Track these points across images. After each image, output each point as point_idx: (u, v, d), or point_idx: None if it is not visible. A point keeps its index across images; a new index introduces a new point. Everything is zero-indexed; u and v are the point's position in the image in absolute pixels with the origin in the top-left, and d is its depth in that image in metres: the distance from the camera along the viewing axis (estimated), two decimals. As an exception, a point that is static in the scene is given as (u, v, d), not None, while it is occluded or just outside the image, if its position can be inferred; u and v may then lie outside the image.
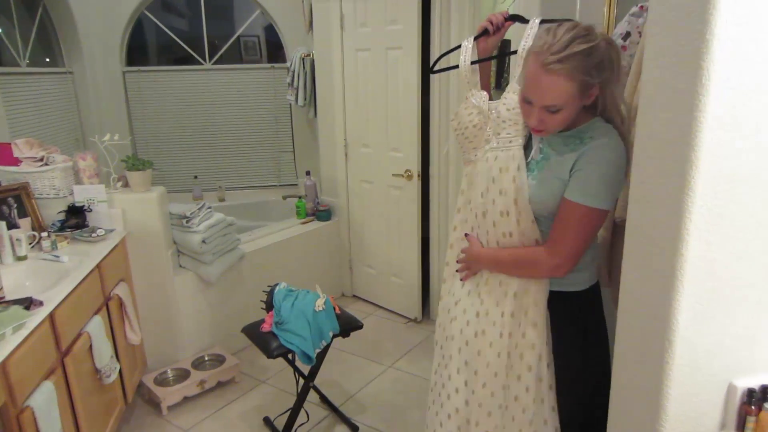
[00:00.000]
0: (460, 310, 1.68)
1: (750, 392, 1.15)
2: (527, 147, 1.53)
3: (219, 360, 3.06)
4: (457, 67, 1.69)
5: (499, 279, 1.57)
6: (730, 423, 1.18)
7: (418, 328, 3.64)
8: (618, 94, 1.41)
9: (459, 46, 1.71)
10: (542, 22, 1.53)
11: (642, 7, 1.56)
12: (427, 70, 1.87)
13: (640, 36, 1.55)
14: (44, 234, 2.42)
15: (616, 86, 1.40)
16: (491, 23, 1.64)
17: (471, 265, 1.65)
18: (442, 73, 3.05)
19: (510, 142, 1.52)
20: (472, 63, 1.65)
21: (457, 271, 1.70)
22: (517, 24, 1.68)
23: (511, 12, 1.67)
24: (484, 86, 1.70)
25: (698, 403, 1.16)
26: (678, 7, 0.97)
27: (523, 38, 1.53)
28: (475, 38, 1.67)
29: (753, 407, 1.15)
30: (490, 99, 1.65)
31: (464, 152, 1.68)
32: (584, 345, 1.58)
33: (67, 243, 2.48)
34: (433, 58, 3.06)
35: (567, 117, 1.37)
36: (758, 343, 1.15)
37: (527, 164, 1.50)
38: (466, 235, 1.67)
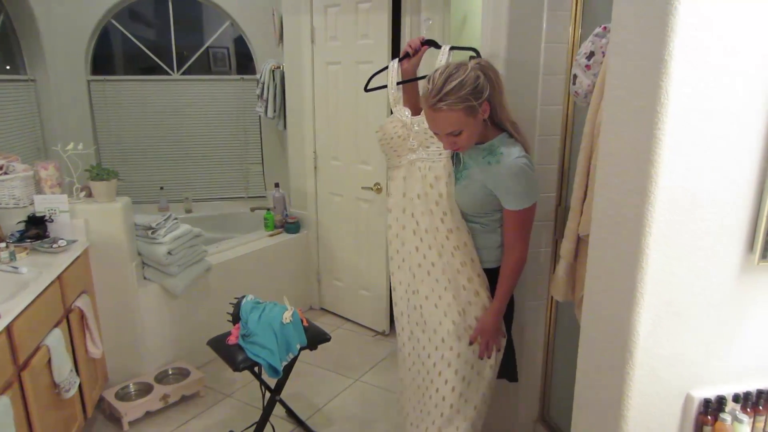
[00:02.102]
0: (411, 293, 2.05)
1: (706, 402, 1.19)
2: (454, 157, 1.89)
3: (183, 374, 3.00)
4: (386, 86, 2.07)
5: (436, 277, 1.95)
6: None
7: (386, 341, 3.64)
8: (502, 103, 1.75)
9: (386, 67, 2.08)
10: (451, 48, 1.99)
11: (605, 27, 1.61)
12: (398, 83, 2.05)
13: (604, 56, 1.60)
14: (2, 245, 2.35)
15: (500, 97, 1.73)
16: (410, 47, 2.02)
17: (495, 334, 1.92)
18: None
19: (440, 154, 1.90)
20: (398, 83, 2.03)
21: (480, 357, 1.94)
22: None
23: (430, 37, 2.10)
24: (411, 102, 2.05)
25: (657, 413, 1.19)
26: (637, 29, 1.01)
27: (437, 62, 1.92)
28: (399, 60, 2.04)
29: (709, 417, 1.18)
30: (414, 114, 2.00)
31: (389, 159, 2.04)
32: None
33: (27, 254, 2.42)
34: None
35: (471, 134, 1.72)
36: (714, 354, 1.19)
37: (454, 174, 1.87)
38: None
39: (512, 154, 1.74)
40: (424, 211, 1.93)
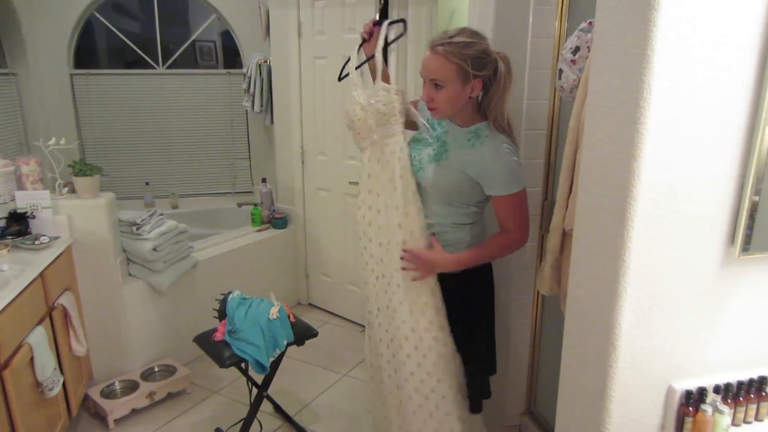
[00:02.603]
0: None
1: (688, 394, 1.20)
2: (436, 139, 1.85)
3: (170, 371, 2.98)
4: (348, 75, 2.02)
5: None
6: (669, 424, 1.23)
7: (374, 335, 3.64)
8: (502, 100, 1.71)
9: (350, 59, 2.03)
10: (390, 23, 1.98)
11: (590, 22, 1.61)
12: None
13: (589, 50, 1.60)
14: (-17, 241, 2.32)
15: (500, 92, 1.70)
16: (365, 32, 2.00)
17: (426, 270, 1.82)
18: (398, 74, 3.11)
19: (394, 129, 1.85)
20: (356, 67, 2.00)
21: (403, 268, 1.86)
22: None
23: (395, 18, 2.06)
24: (385, 79, 1.96)
25: (639, 404, 1.20)
26: (620, 24, 1.01)
27: (379, 39, 1.93)
28: (360, 46, 2.04)
29: (690, 408, 1.20)
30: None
31: (357, 143, 1.99)
32: (481, 307, 1.94)
33: (8, 251, 2.39)
34: (390, 66, 3.09)
35: (451, 99, 1.68)
36: (696, 346, 1.20)
37: (433, 153, 1.81)
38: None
39: (498, 138, 1.72)
40: (386, 187, 1.89)
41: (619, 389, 1.17)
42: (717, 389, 1.23)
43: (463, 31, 1.65)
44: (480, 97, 1.76)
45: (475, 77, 1.64)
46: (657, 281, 1.11)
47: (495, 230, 1.84)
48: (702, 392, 1.20)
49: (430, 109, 1.74)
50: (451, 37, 1.63)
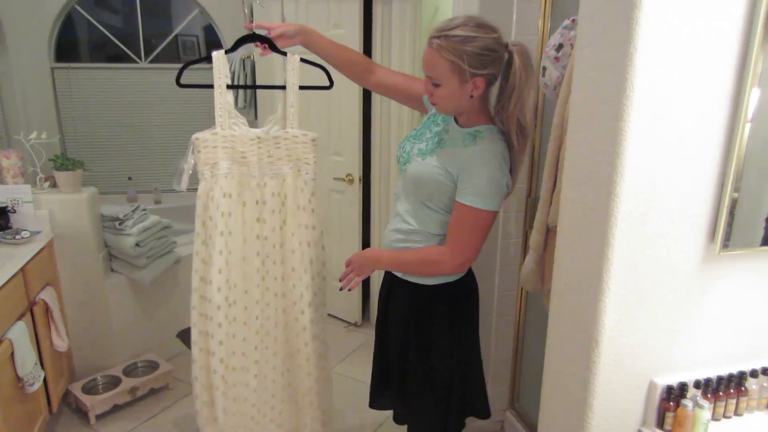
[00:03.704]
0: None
1: (669, 389, 1.22)
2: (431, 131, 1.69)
3: (152, 366, 2.96)
4: (210, 86, 1.86)
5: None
6: (650, 419, 1.25)
7: (358, 332, 3.65)
8: (519, 102, 1.50)
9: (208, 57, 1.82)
10: (302, 61, 1.85)
11: (574, 20, 1.62)
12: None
13: (572, 48, 1.62)
14: (-38, 235, 2.28)
15: (520, 97, 1.48)
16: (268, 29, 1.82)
17: (364, 269, 1.71)
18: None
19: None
20: (230, 87, 1.86)
21: (341, 280, 1.76)
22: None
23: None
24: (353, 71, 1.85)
25: (622, 400, 1.21)
26: (603, 22, 1.02)
27: (288, 74, 1.83)
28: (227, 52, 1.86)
29: (672, 403, 1.21)
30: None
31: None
32: (431, 333, 1.70)
33: (-12, 245, 2.35)
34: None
35: (450, 97, 1.50)
36: (677, 342, 1.22)
37: (424, 148, 1.64)
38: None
39: (496, 146, 1.52)
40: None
41: (601, 385, 1.18)
42: (698, 384, 1.24)
43: (467, 22, 1.43)
44: (496, 97, 1.56)
45: (474, 76, 1.45)
46: (639, 278, 1.12)
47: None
48: (683, 387, 1.21)
49: (432, 104, 1.59)
50: (450, 28, 1.42)
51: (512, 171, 1.57)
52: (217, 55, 1.76)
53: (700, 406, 1.19)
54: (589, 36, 1.08)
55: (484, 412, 1.85)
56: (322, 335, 2.03)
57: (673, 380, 1.22)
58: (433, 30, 1.46)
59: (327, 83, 1.94)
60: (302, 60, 1.84)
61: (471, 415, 1.84)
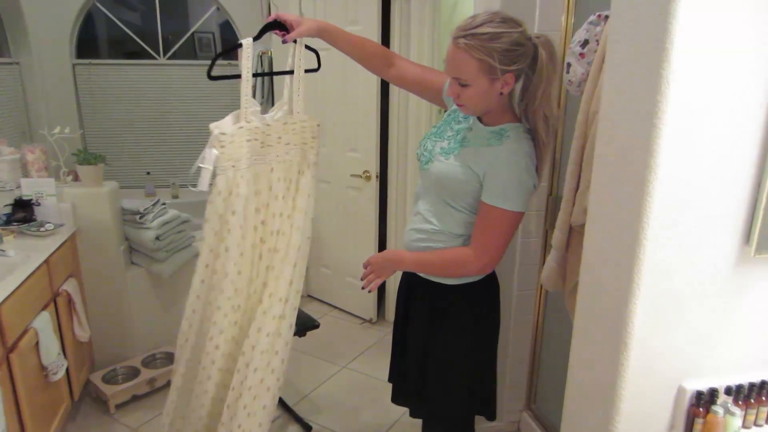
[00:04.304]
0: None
1: (699, 394, 1.18)
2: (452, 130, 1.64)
3: (170, 358, 2.99)
4: (237, 76, 1.77)
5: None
6: (678, 424, 1.21)
7: (373, 328, 3.66)
8: (545, 96, 1.47)
9: (240, 45, 1.75)
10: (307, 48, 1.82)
11: (600, 15, 1.61)
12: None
13: (598, 44, 1.61)
14: (-11, 227, 2.32)
15: (541, 86, 1.46)
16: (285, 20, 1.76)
17: (385, 271, 1.67)
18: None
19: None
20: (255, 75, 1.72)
21: (363, 279, 1.69)
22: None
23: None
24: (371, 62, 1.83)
25: (649, 404, 1.18)
26: (638, 17, 1.00)
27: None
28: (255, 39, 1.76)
29: (701, 409, 1.18)
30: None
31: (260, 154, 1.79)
32: (453, 334, 1.68)
33: (14, 237, 2.39)
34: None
35: (479, 96, 1.47)
36: (708, 347, 1.19)
37: (447, 147, 1.61)
38: None
39: (522, 145, 1.49)
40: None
41: (629, 388, 1.15)
42: (728, 390, 1.20)
43: (491, 18, 1.40)
44: (520, 93, 1.53)
45: (504, 72, 1.41)
46: (671, 279, 1.09)
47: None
48: (713, 393, 1.18)
49: (459, 106, 1.54)
50: (476, 26, 1.39)
51: (538, 168, 1.55)
52: (248, 43, 1.73)
53: (731, 413, 1.16)
54: (622, 31, 1.06)
55: (491, 414, 1.83)
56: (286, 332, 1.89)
57: (703, 385, 1.19)
58: (457, 29, 1.42)
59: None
60: (306, 47, 1.82)
61: (479, 414, 1.82)
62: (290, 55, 1.81)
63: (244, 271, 1.81)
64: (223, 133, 1.73)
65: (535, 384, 2.51)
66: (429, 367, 1.73)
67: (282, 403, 2.78)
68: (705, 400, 1.18)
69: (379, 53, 1.82)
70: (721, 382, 1.20)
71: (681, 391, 1.20)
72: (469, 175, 1.53)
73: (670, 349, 1.16)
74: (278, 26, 1.76)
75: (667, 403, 1.21)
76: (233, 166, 1.74)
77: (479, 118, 1.60)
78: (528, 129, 1.54)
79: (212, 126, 1.73)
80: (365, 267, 1.69)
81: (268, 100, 4.19)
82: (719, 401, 1.19)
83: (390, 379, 1.94)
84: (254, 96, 4.16)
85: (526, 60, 1.44)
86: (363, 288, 1.69)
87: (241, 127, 1.74)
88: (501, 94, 1.48)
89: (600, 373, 1.21)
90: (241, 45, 1.73)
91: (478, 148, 1.54)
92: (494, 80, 1.43)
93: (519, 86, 1.53)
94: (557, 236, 1.79)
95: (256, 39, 1.75)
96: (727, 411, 1.17)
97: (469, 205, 1.58)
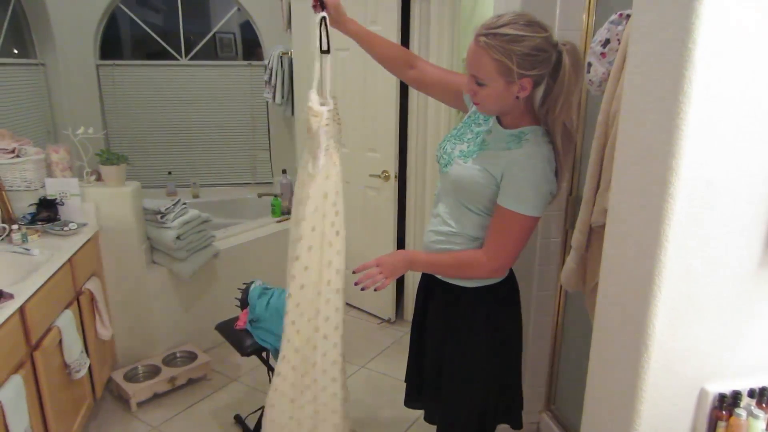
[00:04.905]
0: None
1: (721, 397, 1.16)
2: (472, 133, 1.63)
3: (191, 357, 3.02)
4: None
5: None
6: (701, 427, 1.20)
7: (392, 328, 3.66)
8: (567, 104, 1.44)
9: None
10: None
11: (621, 14, 1.59)
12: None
13: (619, 43, 1.59)
14: (15, 226, 2.37)
15: (567, 99, 1.43)
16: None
17: (396, 271, 1.66)
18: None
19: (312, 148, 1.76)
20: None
21: (354, 272, 1.71)
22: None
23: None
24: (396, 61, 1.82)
25: (671, 407, 1.17)
26: (661, 16, 0.99)
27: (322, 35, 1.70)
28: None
29: (724, 412, 1.16)
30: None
31: (313, 149, 1.78)
32: (469, 339, 1.66)
33: (38, 236, 2.43)
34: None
35: (494, 97, 1.45)
36: (730, 348, 1.17)
37: (466, 150, 1.60)
38: None
39: (541, 149, 1.47)
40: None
41: (650, 390, 1.14)
42: (752, 393, 1.19)
43: (516, 20, 1.37)
44: (541, 99, 1.50)
45: (522, 77, 1.39)
46: (693, 281, 1.08)
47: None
48: (736, 396, 1.16)
49: (475, 104, 1.53)
50: (499, 26, 1.36)
51: (558, 174, 1.53)
52: (319, 17, 1.73)
53: (755, 416, 1.14)
54: (643, 30, 1.04)
55: (517, 422, 1.80)
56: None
57: (726, 388, 1.17)
58: (481, 27, 1.40)
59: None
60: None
61: (503, 422, 1.80)
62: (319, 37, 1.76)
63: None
64: (329, 110, 1.73)
65: (555, 384, 2.48)
66: (445, 368, 1.71)
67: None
68: (728, 402, 1.17)
69: (401, 55, 1.82)
70: (744, 384, 1.18)
71: (703, 393, 1.18)
72: (487, 179, 1.52)
73: (691, 352, 1.14)
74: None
75: (689, 406, 1.19)
76: (326, 149, 1.78)
77: (499, 121, 1.58)
78: (547, 132, 1.52)
79: (317, 105, 1.72)
80: (377, 265, 1.67)
81: (288, 100, 4.21)
82: (742, 404, 1.17)
83: (406, 379, 1.93)
84: (274, 97, 4.21)
85: (546, 67, 1.41)
86: (356, 284, 1.66)
87: (330, 110, 1.76)
88: (517, 98, 1.45)
89: (620, 376, 1.20)
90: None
91: (497, 152, 1.52)
92: (510, 83, 1.41)
93: (540, 91, 1.50)
94: (577, 237, 1.77)
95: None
96: (750, 414, 1.15)
97: (487, 208, 1.57)
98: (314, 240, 1.79)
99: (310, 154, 1.77)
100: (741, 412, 1.15)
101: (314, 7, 1.73)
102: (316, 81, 1.73)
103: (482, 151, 1.56)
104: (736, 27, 0.94)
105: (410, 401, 1.92)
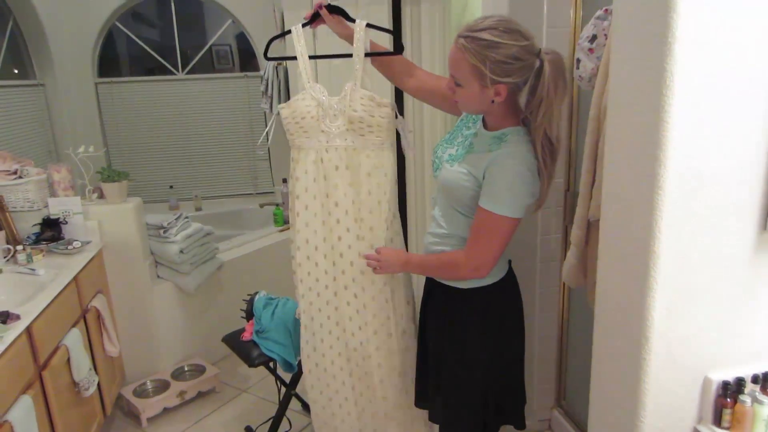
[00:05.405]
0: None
1: (725, 385, 1.17)
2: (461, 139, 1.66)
3: (199, 370, 3.03)
4: (293, 58, 1.82)
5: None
6: (706, 416, 1.20)
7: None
8: (547, 114, 1.43)
9: (289, 31, 1.83)
10: (368, 26, 1.78)
11: (607, 10, 1.60)
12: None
13: (606, 38, 1.60)
14: (19, 247, 2.39)
15: (549, 109, 1.42)
16: (318, 6, 1.80)
17: (390, 267, 1.75)
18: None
19: (382, 144, 1.80)
20: (366, 55, 1.79)
21: (369, 265, 1.77)
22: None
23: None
24: (392, 71, 1.89)
25: (675, 396, 1.18)
26: (640, 12, 1.01)
27: (355, 41, 1.77)
28: (304, 25, 1.82)
29: (729, 400, 1.16)
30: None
31: (294, 138, 1.88)
32: (465, 340, 1.67)
33: (43, 256, 2.45)
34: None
35: (469, 97, 1.47)
36: (732, 336, 1.18)
37: (454, 153, 1.62)
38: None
39: (521, 151, 1.47)
40: (354, 200, 1.83)
41: (653, 381, 1.15)
42: (755, 379, 1.19)
43: (496, 26, 1.37)
44: (525, 104, 1.50)
45: (495, 83, 1.40)
46: (688, 270, 1.08)
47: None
48: (740, 382, 1.17)
49: (455, 102, 1.56)
50: (478, 30, 1.37)
51: (541, 179, 1.51)
52: (296, 28, 1.81)
53: (760, 402, 1.14)
54: (624, 27, 1.06)
55: (519, 423, 1.80)
56: None
57: (729, 375, 1.18)
58: (463, 28, 1.42)
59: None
60: (368, 25, 1.80)
61: (506, 423, 1.79)
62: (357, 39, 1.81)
63: None
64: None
65: (564, 380, 2.48)
66: (443, 370, 1.72)
67: (310, 410, 2.79)
68: (732, 390, 1.17)
69: (403, 62, 1.87)
70: (747, 371, 1.19)
71: (707, 382, 1.19)
72: (471, 181, 1.53)
73: (692, 341, 1.15)
74: (333, 9, 1.82)
75: (693, 395, 1.20)
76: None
77: (484, 123, 1.60)
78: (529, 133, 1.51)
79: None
80: (377, 252, 1.75)
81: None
82: (746, 390, 1.17)
83: (416, 382, 1.94)
84: (271, 107, 4.22)
85: (524, 74, 1.41)
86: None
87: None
88: (493, 102, 1.46)
89: (623, 368, 1.21)
90: (290, 31, 1.82)
91: (481, 154, 1.53)
92: (484, 87, 1.42)
93: (523, 98, 1.50)
94: (575, 232, 1.78)
95: (305, 26, 1.82)
96: (755, 400, 1.16)
97: (474, 210, 1.57)
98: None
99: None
100: (745, 398, 1.15)
101: (318, 22, 1.82)
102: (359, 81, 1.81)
103: (469, 154, 1.57)
104: (714, 17, 0.95)
105: (419, 401, 1.93)
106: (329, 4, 1.80)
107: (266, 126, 4.72)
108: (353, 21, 1.80)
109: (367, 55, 1.81)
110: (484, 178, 1.49)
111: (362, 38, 1.77)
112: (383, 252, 1.75)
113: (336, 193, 1.84)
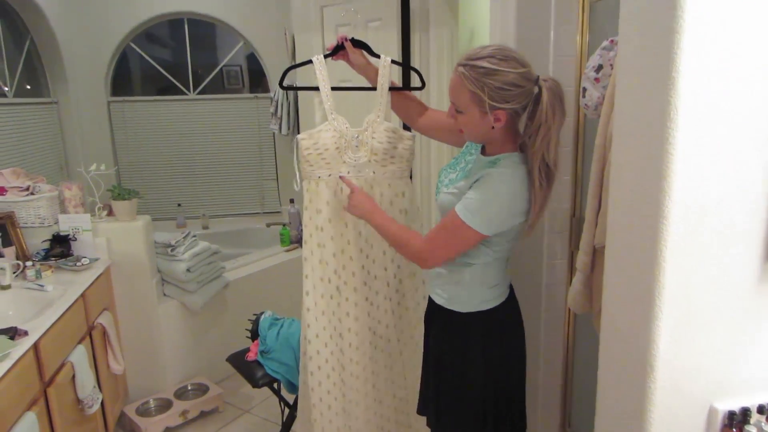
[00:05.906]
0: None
1: (731, 415, 1.16)
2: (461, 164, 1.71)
3: (202, 389, 3.03)
4: (315, 88, 1.89)
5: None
6: None
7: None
8: (545, 140, 1.45)
9: (310, 61, 1.90)
10: (392, 62, 1.88)
11: (612, 41, 1.63)
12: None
13: (612, 68, 1.62)
14: (29, 263, 2.41)
15: (547, 135, 1.44)
16: (342, 38, 1.87)
17: (357, 210, 1.76)
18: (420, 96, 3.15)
19: (403, 172, 1.93)
20: (334, 89, 1.88)
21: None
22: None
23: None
24: (403, 109, 1.97)
25: (681, 426, 1.16)
26: (645, 45, 1.03)
27: (380, 75, 1.85)
28: (327, 56, 1.89)
29: (734, 430, 1.15)
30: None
31: (314, 169, 1.91)
32: (460, 364, 1.66)
33: (52, 272, 2.48)
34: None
35: (470, 124, 1.50)
36: (737, 364, 1.17)
37: (453, 178, 1.66)
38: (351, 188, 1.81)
39: (507, 171, 1.49)
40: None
41: (658, 410, 1.14)
42: (761, 409, 1.18)
43: (495, 54, 1.41)
44: (524, 129, 1.52)
45: (494, 109, 1.43)
46: (693, 299, 1.09)
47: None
48: (745, 412, 1.16)
49: (459, 130, 1.58)
50: (477, 58, 1.41)
51: (532, 205, 1.51)
52: (317, 59, 1.89)
53: (765, 432, 1.14)
54: (628, 59, 1.08)
55: None
56: None
57: (735, 405, 1.16)
58: (462, 57, 1.46)
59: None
60: (393, 62, 1.90)
61: None
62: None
63: None
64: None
65: (569, 406, 2.46)
66: (442, 393, 1.71)
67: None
68: (737, 420, 1.16)
69: (417, 100, 1.96)
70: (753, 401, 1.18)
71: (712, 411, 1.18)
72: (459, 199, 1.54)
73: (697, 370, 1.15)
74: (356, 43, 1.90)
75: (698, 425, 1.19)
76: None
77: (482, 150, 1.63)
78: (525, 159, 1.52)
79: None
80: (352, 191, 1.78)
81: (294, 131, 4.27)
82: (752, 420, 1.16)
83: (420, 390, 1.94)
84: (280, 128, 4.27)
85: (522, 100, 1.44)
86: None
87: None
88: (493, 128, 1.48)
89: (628, 396, 1.20)
90: (310, 61, 1.89)
91: (473, 178, 1.54)
92: (484, 113, 1.45)
93: (523, 124, 1.53)
94: (581, 258, 1.78)
95: (327, 57, 1.89)
96: (761, 430, 1.15)
97: None
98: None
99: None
100: (751, 428, 1.14)
101: (339, 55, 1.91)
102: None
103: (465, 178, 1.59)
104: (718, 51, 0.97)
105: (422, 410, 1.93)
106: (353, 38, 1.86)
107: (274, 148, 4.77)
108: (376, 56, 1.87)
109: (391, 89, 1.88)
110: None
111: (387, 73, 1.85)
112: (358, 193, 1.78)
113: (358, 222, 1.91)
